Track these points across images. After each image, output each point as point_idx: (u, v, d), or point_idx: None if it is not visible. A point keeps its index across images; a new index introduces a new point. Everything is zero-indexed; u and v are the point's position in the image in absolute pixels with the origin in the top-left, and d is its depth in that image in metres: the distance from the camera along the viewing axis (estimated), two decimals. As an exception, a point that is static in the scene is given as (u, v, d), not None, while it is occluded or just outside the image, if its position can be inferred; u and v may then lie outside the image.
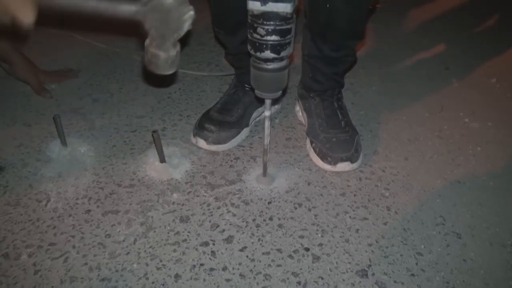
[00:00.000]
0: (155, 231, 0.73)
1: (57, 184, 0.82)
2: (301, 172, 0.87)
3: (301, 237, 0.73)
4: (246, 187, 0.83)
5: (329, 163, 0.87)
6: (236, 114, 0.94)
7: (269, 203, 0.79)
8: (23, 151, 0.90)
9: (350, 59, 0.91)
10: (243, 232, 0.73)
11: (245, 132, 0.96)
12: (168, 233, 0.73)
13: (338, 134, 0.89)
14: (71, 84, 1.16)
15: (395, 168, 0.89)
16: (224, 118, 0.93)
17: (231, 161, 0.90)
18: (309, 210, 0.78)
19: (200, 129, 0.92)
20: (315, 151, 0.89)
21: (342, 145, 0.87)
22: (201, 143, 0.91)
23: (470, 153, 0.95)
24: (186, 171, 0.87)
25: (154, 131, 0.81)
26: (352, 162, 0.86)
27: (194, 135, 0.93)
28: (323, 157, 0.87)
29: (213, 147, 0.91)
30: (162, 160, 0.86)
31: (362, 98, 1.15)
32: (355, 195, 0.82)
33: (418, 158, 0.93)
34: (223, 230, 0.74)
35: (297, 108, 1.04)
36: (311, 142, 0.91)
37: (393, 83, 1.23)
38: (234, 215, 0.77)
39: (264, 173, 0.84)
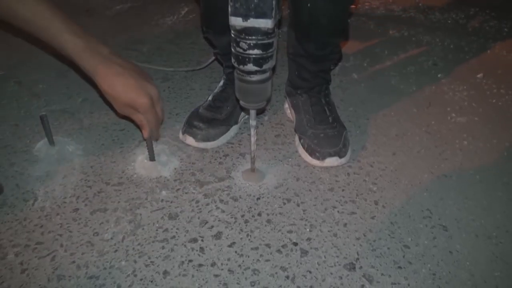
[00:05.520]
0: (143, 229, 0.73)
1: (45, 183, 0.82)
2: (290, 168, 0.88)
3: (290, 232, 0.73)
4: (235, 184, 0.83)
5: (317, 158, 0.87)
6: (225, 112, 0.94)
7: (258, 199, 0.80)
8: (9, 151, 0.90)
9: (335, 56, 0.92)
10: (232, 228, 0.74)
11: (234, 129, 0.96)
12: (157, 230, 0.73)
13: (326, 130, 0.89)
14: (59, 83, 1.16)
15: (383, 163, 0.90)
16: (213, 115, 0.93)
17: (220, 158, 0.90)
18: (298, 205, 0.79)
19: (189, 126, 0.92)
20: (303, 147, 0.90)
21: (330, 140, 0.88)
22: (190, 140, 0.91)
23: (457, 148, 0.96)
24: (175, 168, 0.87)
25: None
26: (340, 157, 0.87)
27: (183, 133, 0.93)
28: (311, 153, 0.88)
29: (202, 144, 0.91)
30: (152, 158, 0.86)
31: (351, 95, 1.15)
32: (343, 190, 0.83)
33: (406, 153, 0.93)
34: (212, 227, 0.74)
35: (286, 105, 1.04)
36: (300, 138, 0.92)
37: (382, 80, 1.23)
38: (223, 211, 0.77)
39: (252, 172, 0.84)
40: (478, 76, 1.26)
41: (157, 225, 0.74)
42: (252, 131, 0.77)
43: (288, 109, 1.03)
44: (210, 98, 0.98)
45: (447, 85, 1.21)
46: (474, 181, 0.86)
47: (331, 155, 0.86)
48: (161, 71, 1.24)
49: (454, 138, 0.99)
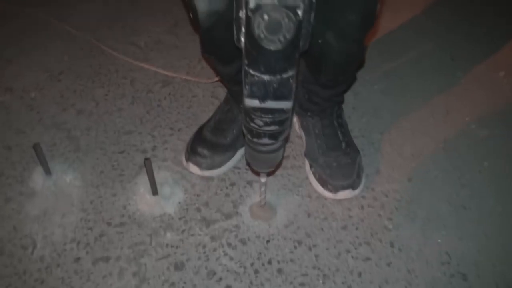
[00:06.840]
0: (148, 283, 0.70)
1: (43, 224, 0.78)
2: (300, 200, 0.83)
3: (302, 284, 0.70)
4: (243, 222, 0.79)
5: (330, 190, 0.82)
6: (230, 136, 0.88)
7: (268, 242, 0.76)
8: (4, 182, 0.85)
9: (349, 82, 0.84)
10: (241, 280, 0.70)
11: (240, 152, 0.90)
12: (163, 284, 0.70)
13: (339, 158, 0.84)
14: (53, 91, 1.09)
15: (398, 192, 0.85)
16: (218, 140, 0.87)
17: (227, 188, 0.85)
18: (310, 249, 0.75)
19: (192, 153, 0.86)
20: (314, 176, 0.85)
21: (343, 171, 0.82)
22: (194, 169, 0.86)
23: (476, 170, 0.90)
24: (179, 202, 0.82)
25: (146, 159, 0.76)
26: (353, 189, 0.82)
27: (187, 160, 0.87)
28: (323, 184, 0.83)
29: (207, 173, 0.86)
30: (154, 192, 0.81)
31: (364, 101, 1.08)
32: (357, 228, 0.79)
33: (422, 178, 0.88)
34: (220, 279, 0.71)
35: (295, 119, 0.98)
36: (310, 166, 0.86)
37: (396, 79, 1.15)
38: (231, 258, 0.73)
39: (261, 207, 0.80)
40: (500, 74, 1.18)
41: (163, 278, 0.70)
42: (262, 188, 0.72)
43: (297, 124, 0.97)
44: (214, 117, 0.91)
45: (465, 87, 1.13)
46: (495, 213, 0.82)
47: (344, 188, 0.82)
48: (161, 73, 1.16)
49: (473, 157, 0.93)
